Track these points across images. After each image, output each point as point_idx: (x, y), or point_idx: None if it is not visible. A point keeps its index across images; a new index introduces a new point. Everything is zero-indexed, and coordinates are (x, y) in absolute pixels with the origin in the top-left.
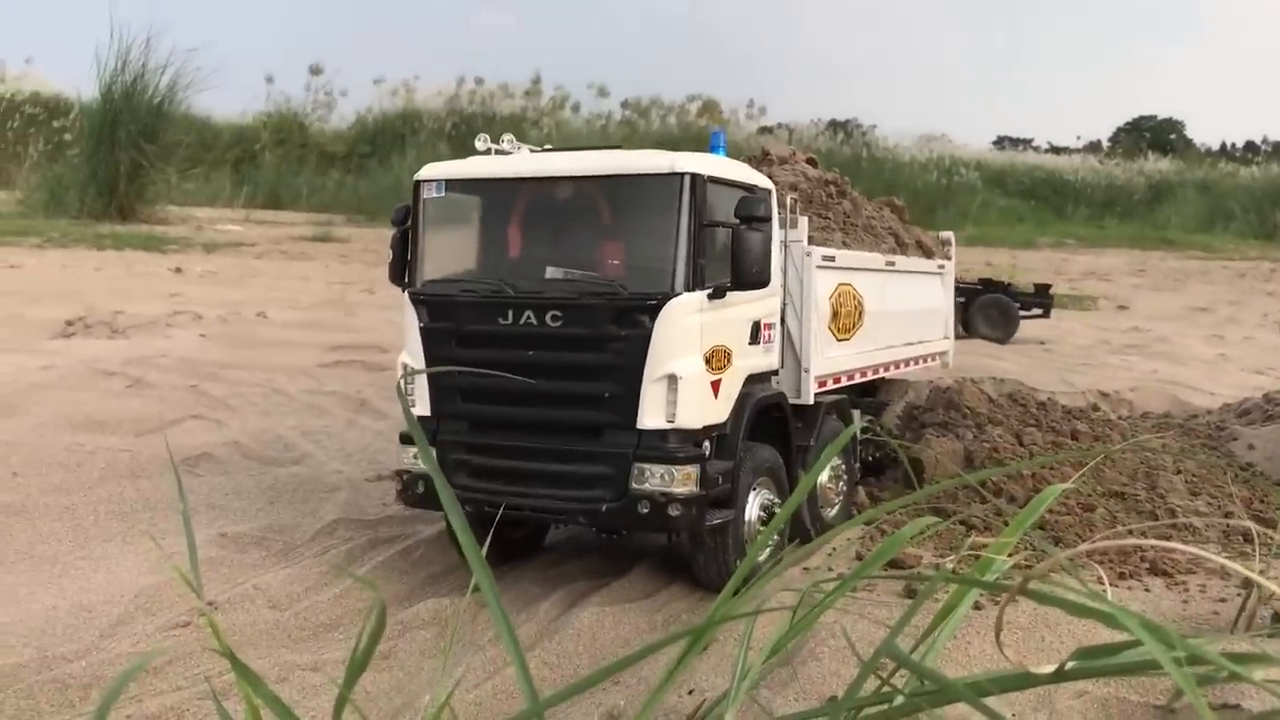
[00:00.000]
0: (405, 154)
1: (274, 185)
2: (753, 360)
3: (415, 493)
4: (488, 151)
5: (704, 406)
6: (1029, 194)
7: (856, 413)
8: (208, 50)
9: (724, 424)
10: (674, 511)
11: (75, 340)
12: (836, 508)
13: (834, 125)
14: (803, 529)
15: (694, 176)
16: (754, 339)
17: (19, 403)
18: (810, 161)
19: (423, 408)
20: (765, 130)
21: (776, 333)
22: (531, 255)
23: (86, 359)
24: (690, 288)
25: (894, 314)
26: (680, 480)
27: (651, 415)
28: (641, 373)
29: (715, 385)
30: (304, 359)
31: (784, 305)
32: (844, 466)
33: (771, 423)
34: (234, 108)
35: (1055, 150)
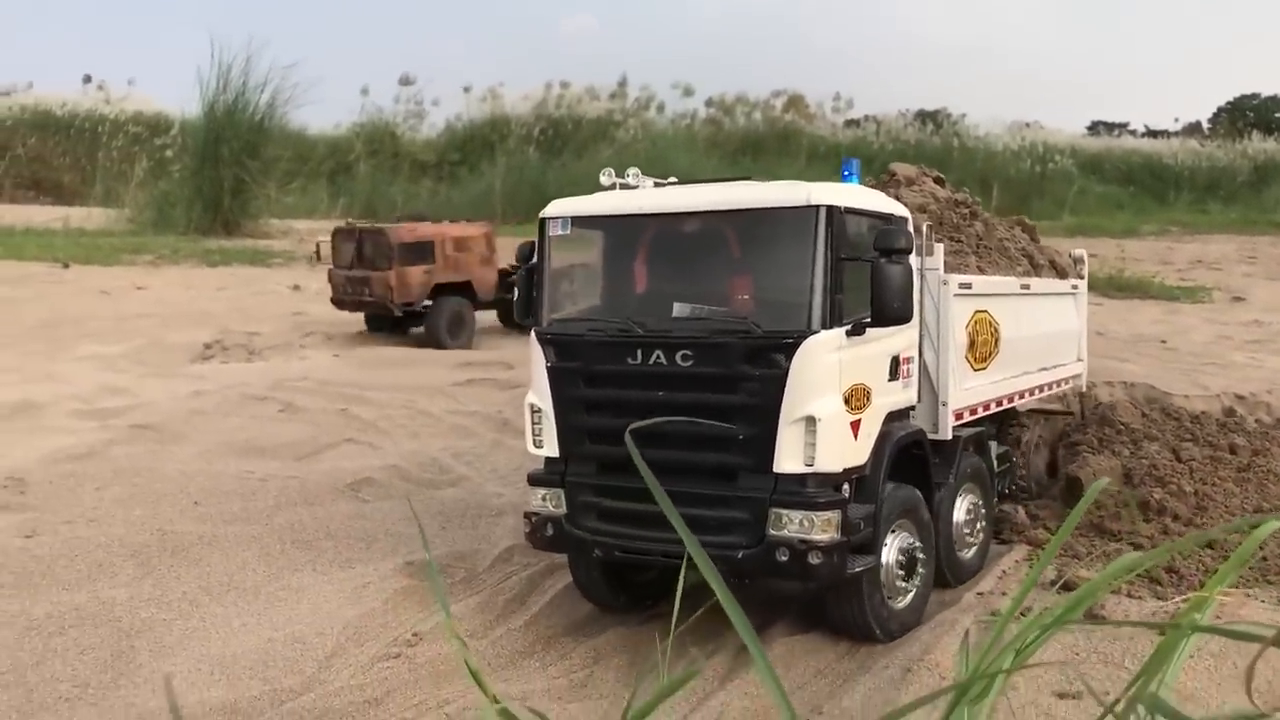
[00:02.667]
0: (495, 160)
1: (369, 195)
2: (892, 397)
3: (544, 535)
4: (613, 186)
5: (844, 448)
6: (1127, 180)
7: (995, 444)
8: (304, 66)
9: (864, 465)
10: (814, 560)
11: (216, 364)
12: (973, 549)
13: (923, 116)
14: (940, 574)
15: (830, 209)
16: (893, 375)
17: (181, 430)
18: (938, 181)
19: (550, 448)
20: (852, 123)
21: (915, 366)
22: (660, 292)
23: (233, 384)
24: (828, 325)
25: (1029, 339)
26: (821, 527)
27: (789, 459)
28: (777, 414)
29: (855, 425)
30: (437, 378)
31: (920, 336)
32: (982, 505)
33: (910, 460)
34: (328, 120)
35: (1152, 134)
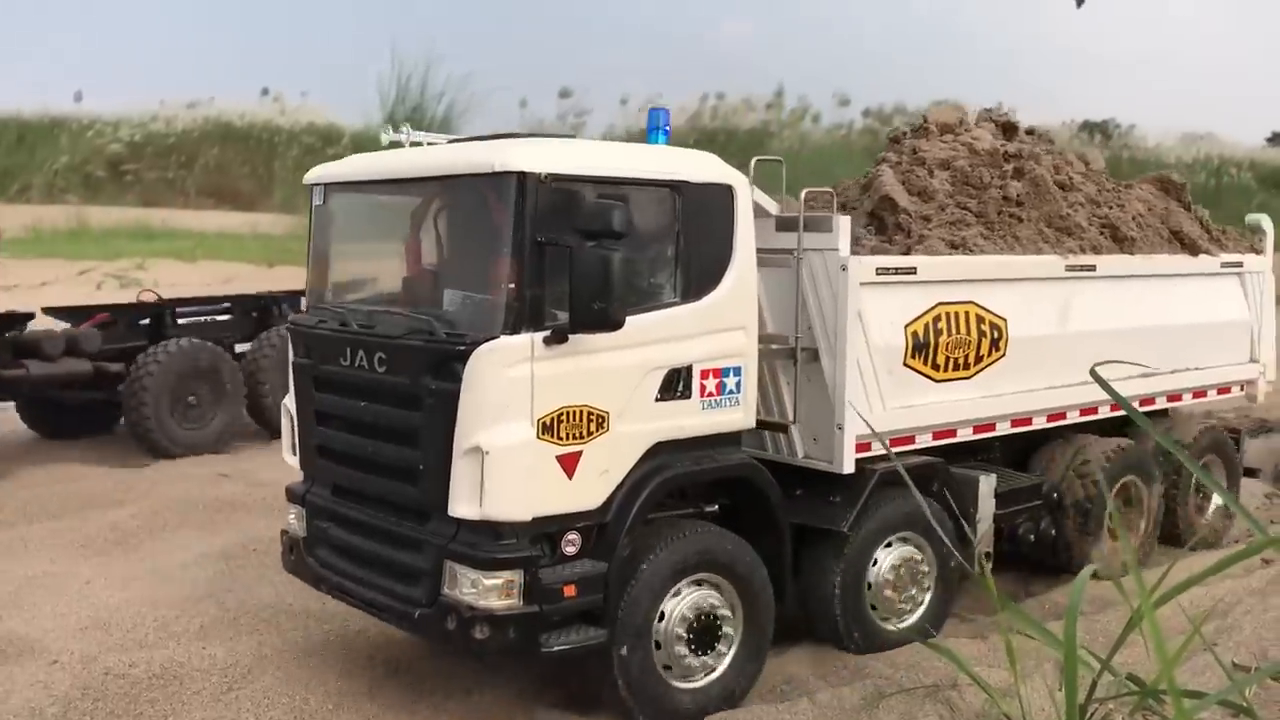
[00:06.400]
0: None
1: None
2: (670, 422)
3: (290, 559)
4: (390, 147)
5: (540, 490)
6: None
7: (990, 479)
8: (472, 78)
9: (599, 510)
10: (480, 633)
11: None
12: (914, 617)
13: (1088, 126)
14: (840, 641)
15: (523, 177)
16: (674, 393)
17: None
18: (1007, 127)
19: (298, 459)
20: None
21: (746, 380)
22: (386, 277)
23: None
24: (514, 329)
25: (1094, 335)
26: (490, 591)
27: (463, 500)
28: (451, 441)
29: (569, 460)
30: None
31: (799, 339)
32: (926, 562)
33: (757, 500)
34: (489, 132)
35: None
